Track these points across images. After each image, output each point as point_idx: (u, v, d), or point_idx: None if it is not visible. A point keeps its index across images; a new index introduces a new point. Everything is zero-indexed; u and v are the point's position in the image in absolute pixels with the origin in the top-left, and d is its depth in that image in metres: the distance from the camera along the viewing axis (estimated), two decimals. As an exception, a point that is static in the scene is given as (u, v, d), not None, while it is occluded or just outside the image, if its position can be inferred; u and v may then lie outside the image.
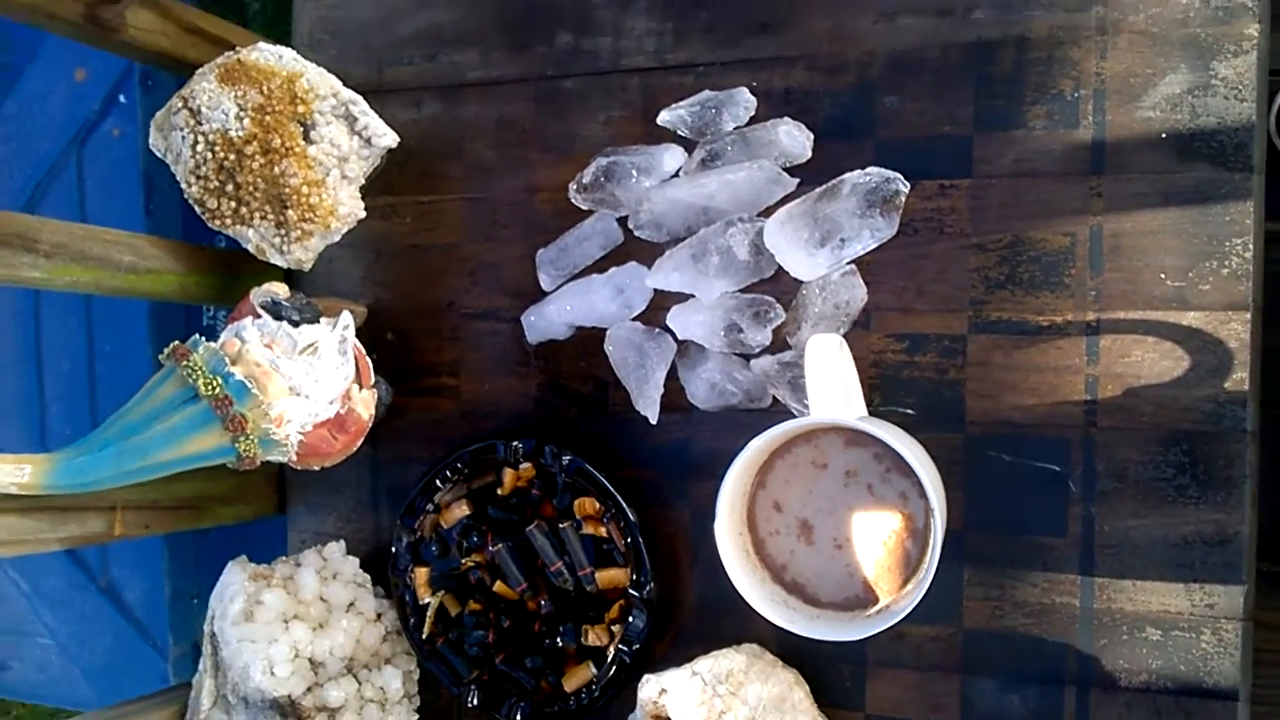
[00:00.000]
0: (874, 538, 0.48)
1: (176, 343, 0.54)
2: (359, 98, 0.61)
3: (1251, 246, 0.46)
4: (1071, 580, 0.50)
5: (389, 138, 0.61)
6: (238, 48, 0.61)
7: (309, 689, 0.59)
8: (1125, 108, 0.48)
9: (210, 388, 0.52)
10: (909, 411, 0.53)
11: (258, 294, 0.59)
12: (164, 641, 1.03)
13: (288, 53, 0.60)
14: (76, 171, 1.06)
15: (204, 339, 0.54)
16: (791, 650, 0.55)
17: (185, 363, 0.53)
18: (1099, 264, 0.49)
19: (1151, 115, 0.48)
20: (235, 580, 0.61)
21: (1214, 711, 0.48)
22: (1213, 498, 0.48)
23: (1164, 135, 0.47)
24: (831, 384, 0.46)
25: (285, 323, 0.57)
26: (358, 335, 0.60)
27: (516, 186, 0.61)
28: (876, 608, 0.48)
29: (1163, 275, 0.48)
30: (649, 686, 0.53)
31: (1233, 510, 0.47)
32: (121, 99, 1.04)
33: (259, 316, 0.57)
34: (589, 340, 0.59)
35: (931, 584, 0.48)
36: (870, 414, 0.53)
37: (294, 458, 0.57)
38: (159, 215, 1.02)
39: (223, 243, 0.67)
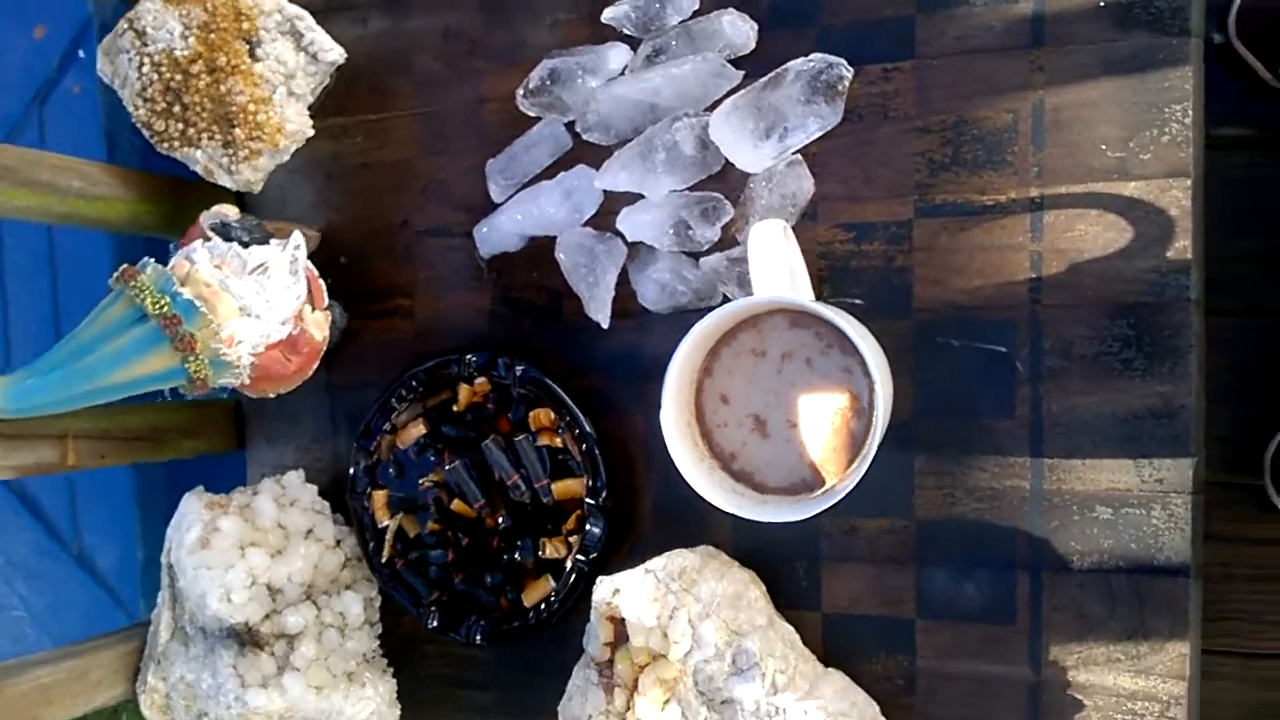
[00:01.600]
0: (820, 420, 0.50)
1: (125, 265, 0.56)
2: (305, 13, 0.63)
3: (1191, 112, 0.48)
4: (1021, 463, 0.52)
5: (336, 52, 0.63)
6: (180, -35, 0.63)
7: (267, 616, 0.61)
8: (1062, -22, 0.50)
9: (158, 306, 0.54)
10: (858, 301, 0.54)
11: (207, 216, 0.61)
12: (137, 608, 1.05)
13: (230, -32, 0.62)
14: (39, 129, 1.08)
15: (153, 260, 0.56)
16: (746, 552, 0.57)
17: (133, 283, 0.55)
18: (1041, 139, 0.50)
19: (1088, -15, 0.49)
20: (192, 510, 0.63)
21: (1167, 589, 0.50)
22: (1159, 369, 0.49)
23: (1102, 4, 0.49)
24: (775, 267, 0.48)
25: (235, 244, 0.58)
26: (311, 260, 0.62)
27: (466, 98, 0.63)
28: (823, 489, 0.50)
29: (1104, 146, 0.49)
30: (603, 587, 0.54)
31: (1179, 381, 0.49)
32: (80, 54, 1.06)
33: (208, 239, 0.59)
34: (541, 251, 0.61)
35: (882, 474, 0.50)
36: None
37: (247, 380, 0.59)
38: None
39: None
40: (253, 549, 0.62)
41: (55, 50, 1.05)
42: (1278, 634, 0.80)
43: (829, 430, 0.50)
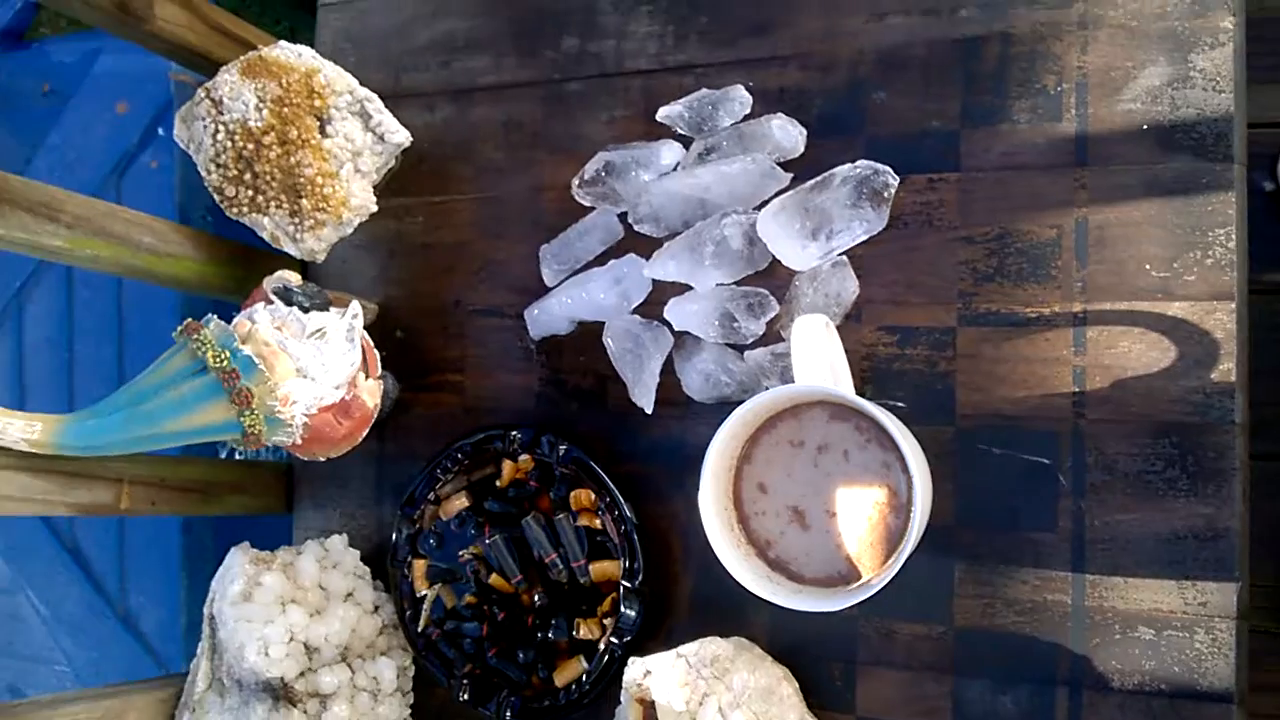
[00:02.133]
0: (858, 514, 0.51)
1: (189, 319, 0.59)
2: (374, 96, 0.67)
3: (1234, 236, 0.49)
4: (1063, 578, 0.52)
5: (401, 134, 0.67)
6: (260, 46, 0.67)
7: (302, 673, 0.63)
8: (1107, 100, 0.51)
9: (219, 360, 0.57)
10: (900, 404, 0.56)
11: (270, 280, 0.64)
12: (177, 670, 1.08)
13: (307, 50, 0.67)
14: (115, 201, 1.14)
15: (215, 317, 0.59)
16: (782, 649, 0.58)
17: (196, 336, 0.58)
18: (1084, 255, 0.52)
19: (1133, 108, 0.51)
20: (236, 563, 0.66)
21: (1208, 714, 0.50)
22: (1203, 490, 0.50)
23: (1145, 127, 0.51)
24: (817, 359, 0.50)
25: (295, 308, 0.62)
26: (369, 333, 0.65)
27: (524, 186, 0.66)
28: (859, 583, 0.50)
29: (1148, 266, 0.50)
30: (634, 669, 0.56)
31: (1223, 504, 0.49)
32: (160, 131, 1.13)
33: (271, 302, 0.62)
34: (589, 336, 0.63)
35: (923, 580, 0.51)
36: (862, 405, 0.56)
37: (299, 440, 0.62)
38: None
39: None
40: (293, 606, 0.64)
41: (136, 126, 1.12)
42: None
43: (866, 524, 0.51)
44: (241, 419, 0.57)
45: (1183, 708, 0.50)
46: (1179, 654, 0.50)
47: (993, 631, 0.54)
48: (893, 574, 0.47)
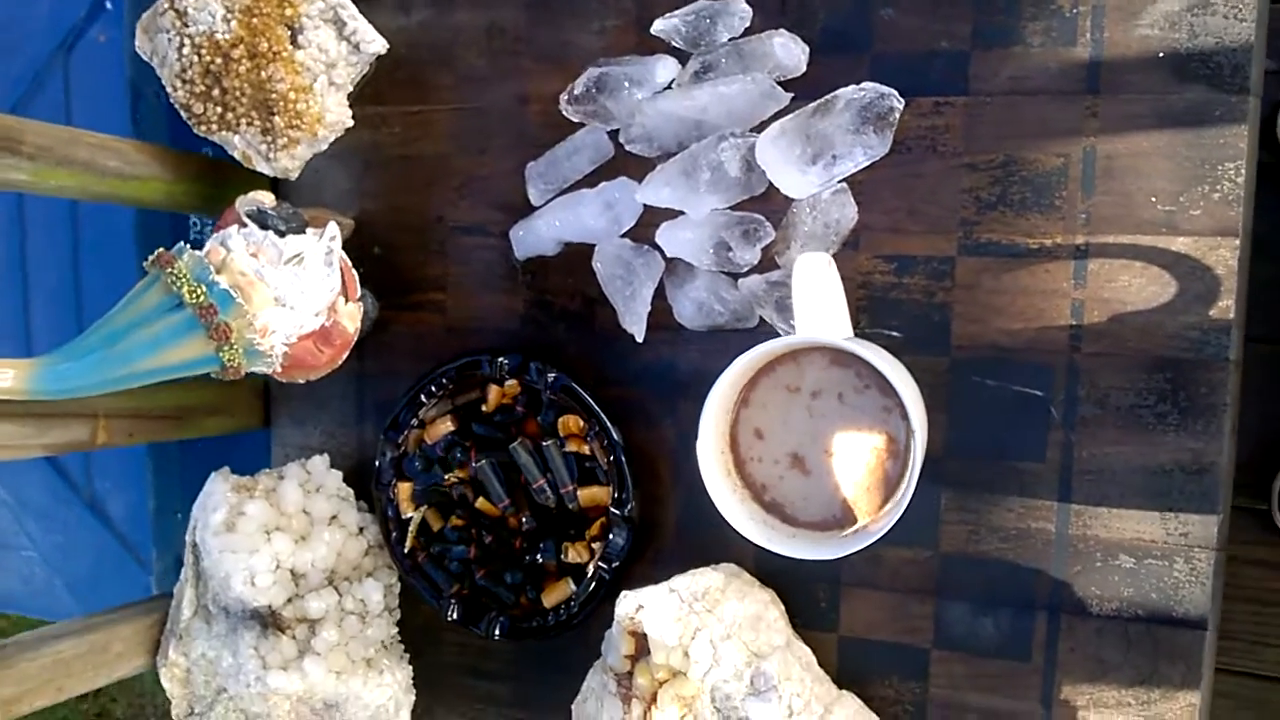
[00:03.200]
0: (855, 458, 0.52)
1: (161, 250, 0.58)
2: (348, 1, 0.64)
3: (1244, 171, 0.49)
4: (1048, 506, 0.54)
5: (378, 43, 0.65)
6: (224, -55, 0.64)
7: (289, 600, 0.65)
8: (1124, 25, 0.51)
9: (194, 295, 0.57)
10: (895, 334, 0.56)
11: (243, 202, 0.63)
12: (147, 555, 1.09)
13: (275, -49, 0.64)
14: (63, 79, 1.09)
15: (189, 246, 0.58)
16: (769, 571, 0.60)
17: (169, 270, 0.57)
18: (1090, 186, 0.52)
19: (1150, 33, 0.51)
20: (218, 491, 0.66)
21: (1183, 640, 0.53)
22: (1192, 426, 0.52)
23: (1161, 55, 0.50)
24: (818, 304, 0.50)
25: (271, 232, 0.61)
26: (344, 248, 0.64)
27: (507, 96, 0.65)
28: (854, 528, 0.52)
29: (1153, 199, 0.51)
30: (626, 602, 0.58)
31: (1211, 439, 0.51)
32: (108, 4, 1.07)
33: (244, 225, 0.61)
34: (577, 256, 0.63)
35: (910, 506, 0.53)
36: (857, 335, 0.57)
37: (279, 369, 0.62)
38: (145, 124, 1.06)
39: (209, 152, 0.72)
40: (278, 534, 0.65)
41: (83, -1, 1.06)
42: (1273, 655, 0.83)
43: (863, 469, 0.52)
44: (220, 354, 0.57)
45: (1158, 632, 0.53)
46: (1157, 581, 0.53)
47: (976, 557, 0.56)
48: (890, 525, 0.49)
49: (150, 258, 0.58)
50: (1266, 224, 0.77)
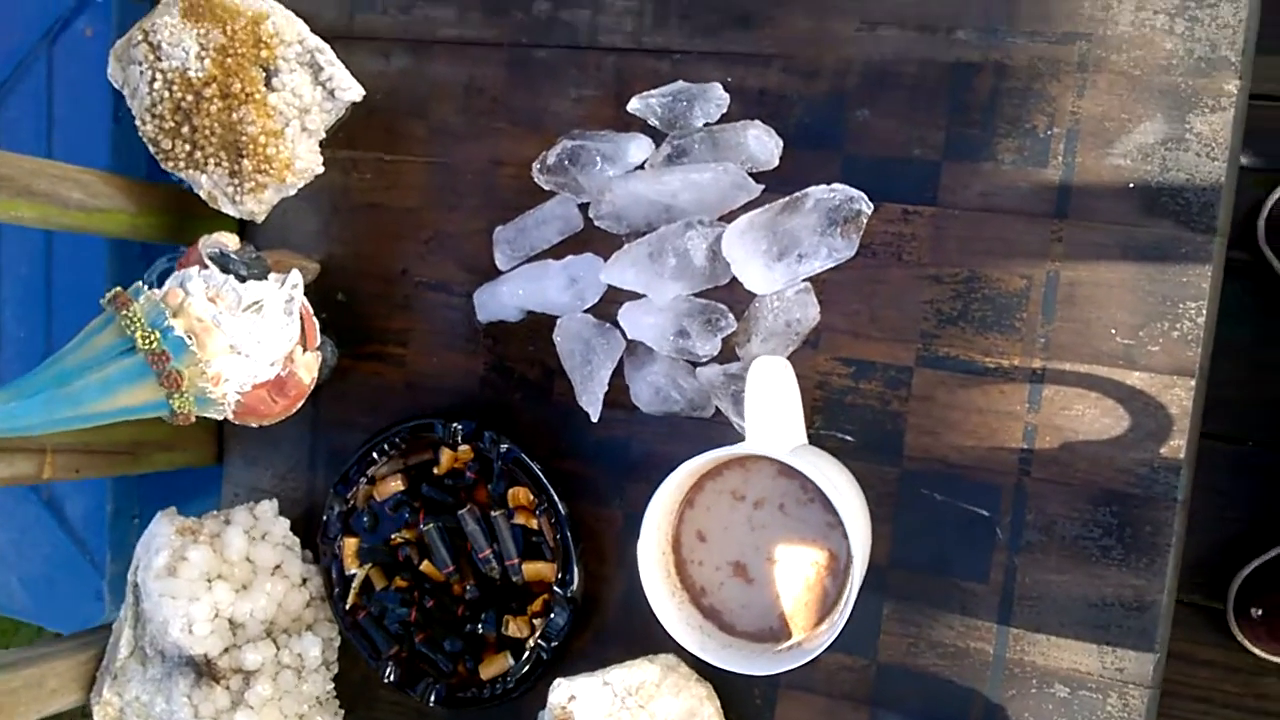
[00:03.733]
0: (796, 572, 0.53)
1: (118, 289, 0.59)
2: (326, 46, 0.65)
3: (1205, 312, 0.50)
4: (988, 627, 0.55)
5: (354, 91, 0.66)
6: (204, -17, 0.65)
7: (226, 649, 0.66)
8: (1096, 152, 0.51)
9: (148, 341, 0.57)
10: (848, 438, 0.57)
11: (206, 244, 0.64)
12: (101, 558, 1.10)
13: (255, -7, 0.64)
14: (46, 70, 1.10)
15: (146, 287, 0.59)
16: (707, 666, 0.61)
17: (125, 312, 0.58)
18: (1051, 311, 0.53)
19: (1122, 163, 0.51)
20: (162, 532, 0.67)
21: (1113, 773, 0.54)
22: (1135, 563, 0.52)
23: (1131, 185, 0.51)
24: (770, 411, 0.51)
25: (232, 277, 0.61)
26: (308, 292, 0.65)
27: (481, 156, 0.65)
28: (789, 642, 0.53)
29: (1113, 331, 0.52)
30: (559, 691, 0.58)
31: (1153, 578, 0.52)
32: (96, -4, 1.08)
33: (206, 267, 0.62)
34: (539, 325, 0.64)
35: (851, 614, 0.53)
36: (810, 434, 0.58)
37: (230, 416, 0.62)
38: (126, 122, 1.07)
39: (183, 181, 0.72)
40: (219, 582, 0.66)
41: (69, -11, 1.07)
42: None
43: (803, 584, 0.53)
44: (170, 400, 0.57)
45: (1088, 764, 0.54)
46: (1090, 714, 0.54)
47: (914, 670, 0.57)
48: (826, 644, 0.49)
49: (107, 296, 0.59)
50: (1234, 325, 0.78)
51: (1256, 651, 0.81)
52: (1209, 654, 0.83)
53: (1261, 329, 0.81)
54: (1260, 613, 0.79)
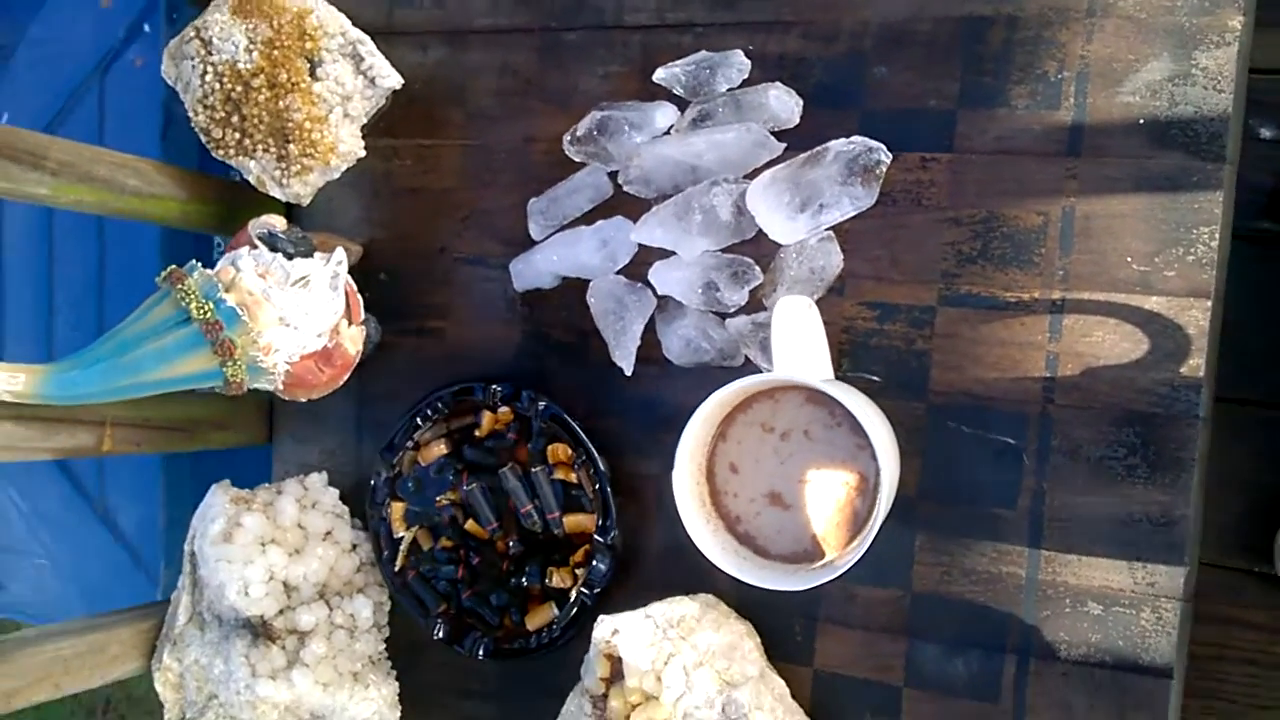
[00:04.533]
0: (826, 495, 0.51)
1: (173, 267, 0.58)
2: (366, 37, 0.64)
3: (1218, 236, 0.49)
4: (1019, 551, 0.53)
5: (393, 79, 0.65)
6: (251, -20, 0.64)
7: (281, 611, 0.64)
8: (1106, 92, 0.50)
9: (202, 311, 0.56)
10: (875, 378, 0.56)
11: (255, 225, 0.63)
12: (155, 568, 1.08)
13: (299, -12, 0.64)
14: (98, 99, 1.09)
15: (200, 264, 0.58)
16: (746, 603, 0.59)
17: (180, 286, 0.57)
18: (1069, 244, 0.51)
19: (1131, 100, 0.50)
20: (217, 502, 0.65)
21: (1148, 688, 0.51)
22: (1161, 479, 0.50)
23: (1141, 121, 0.50)
24: (796, 343, 0.49)
25: (280, 254, 0.60)
26: (352, 273, 0.64)
27: (514, 135, 0.64)
28: (822, 562, 0.51)
29: (1129, 259, 0.50)
30: (603, 626, 0.56)
31: (1179, 493, 0.50)
32: (146, 28, 1.07)
33: (255, 247, 0.61)
34: (573, 291, 0.62)
35: (884, 546, 0.52)
36: (839, 378, 0.56)
37: (280, 387, 0.61)
38: (175, 147, 1.06)
39: (236, 176, 0.71)
40: (273, 546, 0.64)
41: (121, 21, 1.07)
42: (1266, 718, 0.81)
43: (834, 506, 0.51)
44: (224, 369, 0.56)
45: (1123, 680, 0.52)
46: (1124, 629, 0.52)
47: (948, 598, 0.55)
48: (855, 559, 0.47)
49: (162, 274, 0.58)
50: (1266, 296, 0.76)
51: None
52: (1255, 616, 0.80)
53: None
54: None
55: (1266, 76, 0.75)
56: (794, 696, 0.58)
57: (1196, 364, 0.49)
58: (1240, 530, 0.80)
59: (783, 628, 0.58)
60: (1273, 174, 0.75)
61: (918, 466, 0.55)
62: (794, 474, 0.52)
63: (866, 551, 0.48)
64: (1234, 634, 0.80)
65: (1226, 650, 0.80)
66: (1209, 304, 0.49)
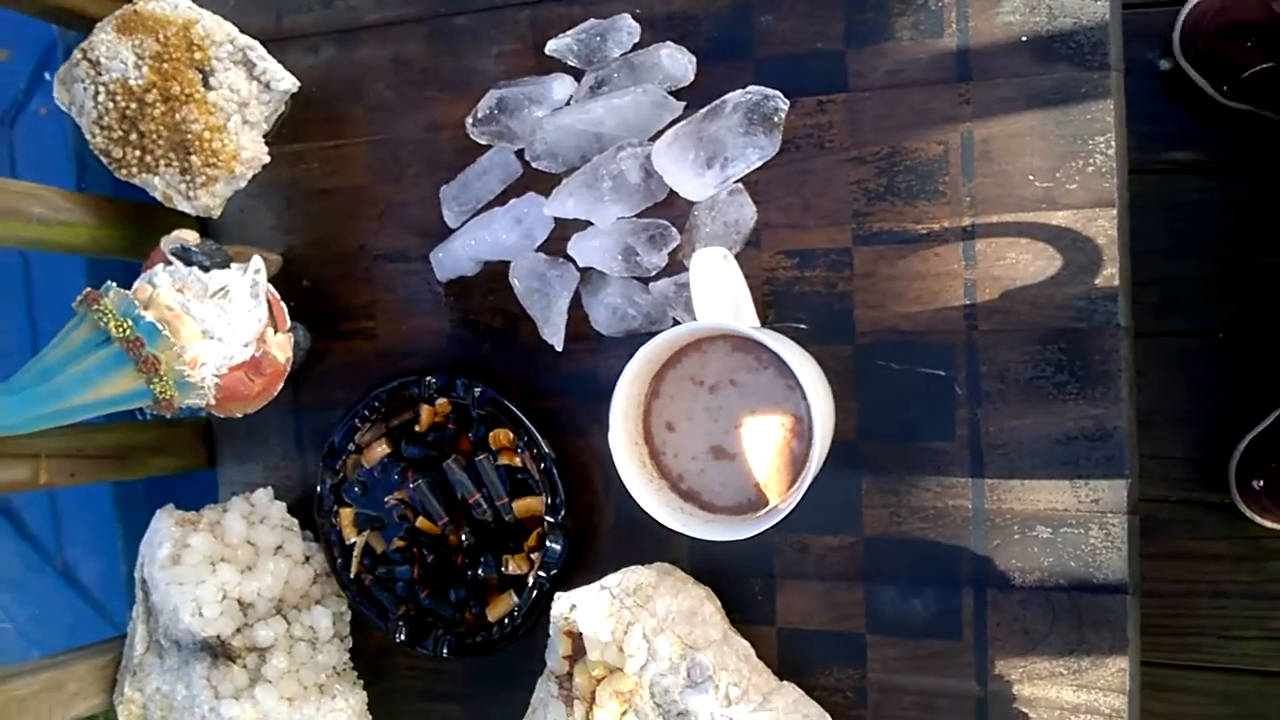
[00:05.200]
0: (763, 442, 0.52)
1: (88, 289, 0.58)
2: (255, 43, 0.64)
3: (1114, 143, 0.49)
4: (963, 483, 0.54)
5: (288, 81, 0.65)
6: (134, 0, 0.64)
7: (238, 629, 0.64)
8: (986, 14, 0.51)
9: (121, 329, 0.56)
10: (802, 326, 0.56)
11: (168, 241, 0.62)
12: (122, 620, 1.08)
13: (183, 1, 0.64)
14: (8, 151, 1.09)
15: (115, 285, 0.58)
16: (703, 570, 0.59)
17: (96, 307, 0.57)
18: (970, 170, 0.52)
19: (1011, 19, 0.51)
20: (163, 526, 0.65)
21: (1105, 604, 0.52)
22: (1091, 393, 0.51)
23: (1024, 39, 0.50)
24: (716, 294, 0.50)
25: (195, 268, 0.60)
26: (274, 283, 0.64)
27: (418, 125, 0.64)
28: (767, 509, 0.52)
29: (1031, 177, 0.51)
30: (560, 603, 0.57)
31: (1110, 405, 0.51)
32: (47, 77, 1.07)
33: (170, 263, 0.61)
34: (496, 275, 0.63)
35: (831, 493, 0.52)
36: (766, 327, 0.56)
37: (212, 401, 0.61)
38: (92, 189, 1.05)
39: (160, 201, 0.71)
40: (223, 564, 0.64)
41: (21, 73, 1.06)
42: (1241, 648, 0.82)
43: (772, 451, 0.52)
44: (151, 386, 0.56)
45: (1080, 600, 0.53)
46: (1075, 549, 0.53)
47: (899, 539, 0.56)
48: (797, 499, 0.48)
49: (78, 298, 0.58)
50: (1194, 222, 0.77)
51: (1265, 523, 0.79)
52: (1216, 548, 0.81)
53: (1216, 224, 0.80)
54: (1261, 483, 0.78)
55: (1157, 10, 0.75)
56: (762, 656, 0.58)
57: (1110, 273, 0.50)
58: (1191, 464, 0.81)
59: (741, 589, 0.59)
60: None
61: (854, 410, 0.55)
62: (729, 424, 0.52)
63: (816, 499, 0.49)
64: (1199, 568, 0.82)
65: (1194, 585, 0.81)
66: (1114, 212, 0.50)
